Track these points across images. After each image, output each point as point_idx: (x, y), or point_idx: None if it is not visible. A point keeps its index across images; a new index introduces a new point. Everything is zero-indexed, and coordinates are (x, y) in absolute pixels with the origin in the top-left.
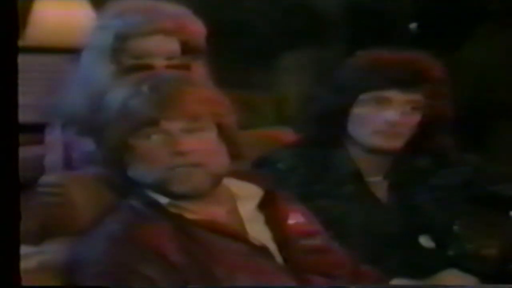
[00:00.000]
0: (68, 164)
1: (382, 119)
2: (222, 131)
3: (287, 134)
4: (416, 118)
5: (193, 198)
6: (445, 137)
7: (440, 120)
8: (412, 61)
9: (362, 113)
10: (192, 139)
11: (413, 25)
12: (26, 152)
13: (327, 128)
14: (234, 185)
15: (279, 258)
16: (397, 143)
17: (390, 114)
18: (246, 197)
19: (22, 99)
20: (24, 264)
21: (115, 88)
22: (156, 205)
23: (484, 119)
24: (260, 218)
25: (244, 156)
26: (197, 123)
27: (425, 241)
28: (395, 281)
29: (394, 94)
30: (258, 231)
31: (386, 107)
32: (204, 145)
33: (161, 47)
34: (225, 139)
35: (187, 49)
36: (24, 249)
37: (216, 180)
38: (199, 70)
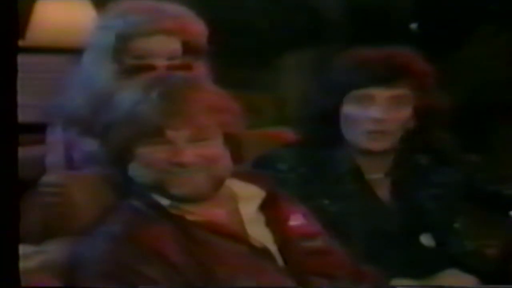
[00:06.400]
0: (69, 164)
1: (367, 117)
2: (228, 139)
3: (288, 134)
4: (404, 112)
5: (194, 200)
6: (444, 133)
7: (435, 111)
8: (392, 56)
9: (349, 113)
10: (196, 149)
11: (413, 25)
12: (27, 152)
13: (323, 127)
14: (235, 186)
15: (279, 260)
16: (385, 144)
17: (374, 111)
18: (248, 198)
19: (24, 99)
20: (25, 264)
21: (124, 89)
22: (157, 206)
23: (484, 119)
24: (261, 219)
25: (245, 158)
26: (203, 132)
27: (426, 240)
28: (395, 281)
29: (376, 91)
30: (259, 233)
31: (370, 104)
32: (207, 152)
33: (163, 47)
34: (230, 145)
35: (188, 49)
36: (25, 249)
37: (218, 183)
38: (200, 70)
